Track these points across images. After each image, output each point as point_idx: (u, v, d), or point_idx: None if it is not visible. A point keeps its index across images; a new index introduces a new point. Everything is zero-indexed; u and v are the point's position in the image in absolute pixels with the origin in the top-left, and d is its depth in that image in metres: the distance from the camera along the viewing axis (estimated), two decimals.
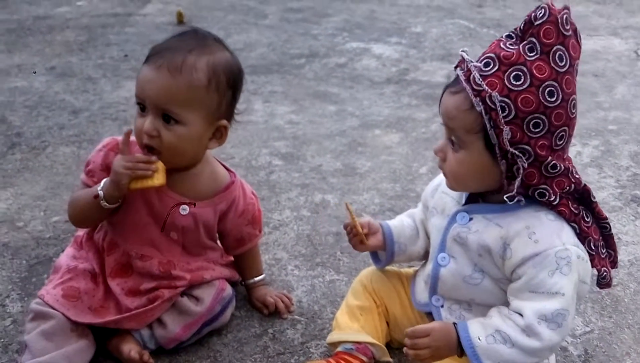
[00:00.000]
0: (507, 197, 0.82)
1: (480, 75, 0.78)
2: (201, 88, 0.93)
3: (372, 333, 0.99)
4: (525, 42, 0.78)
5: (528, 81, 0.77)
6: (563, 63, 0.77)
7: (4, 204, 1.49)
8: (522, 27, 0.79)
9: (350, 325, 0.99)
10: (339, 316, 1.02)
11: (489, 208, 0.86)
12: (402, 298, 1.02)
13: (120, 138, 1.00)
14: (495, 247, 0.84)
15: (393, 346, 1.04)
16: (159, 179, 0.93)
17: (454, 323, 0.85)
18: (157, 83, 0.92)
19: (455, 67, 0.83)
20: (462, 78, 0.80)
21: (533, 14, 0.77)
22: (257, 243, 1.16)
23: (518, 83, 0.77)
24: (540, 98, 0.77)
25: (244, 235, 1.12)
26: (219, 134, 0.99)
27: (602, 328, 1.11)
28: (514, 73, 0.77)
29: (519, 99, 0.77)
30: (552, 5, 0.77)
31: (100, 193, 0.94)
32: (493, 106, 0.77)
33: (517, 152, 0.78)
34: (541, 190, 0.81)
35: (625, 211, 1.49)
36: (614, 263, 0.91)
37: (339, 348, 0.98)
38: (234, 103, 0.99)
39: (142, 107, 0.94)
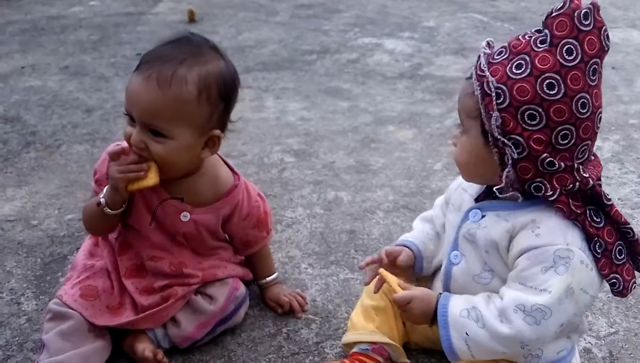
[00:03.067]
0: (496, 189, 0.81)
1: (489, 62, 0.79)
2: (191, 101, 0.90)
3: (388, 333, 0.97)
4: (540, 33, 0.77)
5: (528, 71, 0.76)
6: (572, 57, 0.74)
7: (18, 202, 1.50)
8: (544, 19, 0.78)
9: (366, 326, 0.98)
10: (353, 317, 1.01)
11: (502, 205, 0.84)
12: None
13: (124, 143, 1.00)
14: (501, 242, 0.82)
15: (410, 347, 1.02)
16: (152, 179, 0.92)
17: (440, 294, 0.86)
18: (144, 96, 0.89)
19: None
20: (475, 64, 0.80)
21: (555, 6, 0.76)
22: (265, 244, 1.14)
23: (518, 72, 0.76)
24: (537, 89, 0.75)
25: (250, 238, 1.10)
26: (212, 144, 0.96)
27: (627, 329, 1.08)
28: (517, 62, 0.77)
29: (515, 88, 0.76)
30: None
31: (102, 200, 0.95)
32: (489, 92, 0.76)
33: (506, 141, 0.77)
34: (537, 184, 0.79)
35: None
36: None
37: (355, 349, 0.97)
38: (227, 113, 0.97)
39: (131, 117, 0.92)
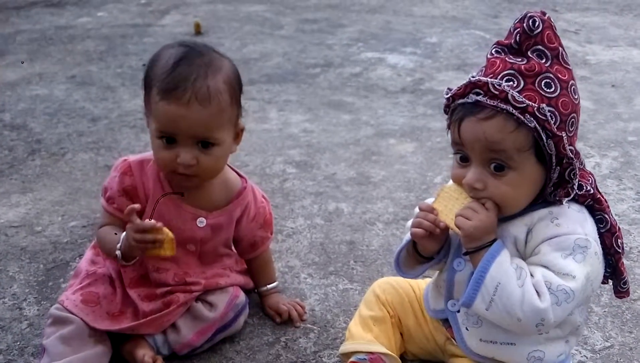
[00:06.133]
0: (558, 199, 0.82)
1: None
2: (227, 108, 0.96)
3: (386, 343, 0.98)
4: (531, 51, 0.80)
5: (558, 86, 0.80)
6: (568, 61, 0.82)
7: (23, 208, 1.51)
8: (518, 40, 0.80)
9: (363, 335, 0.98)
10: (352, 327, 1.02)
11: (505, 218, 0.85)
12: (416, 310, 1.01)
13: (131, 157, 1.03)
14: (520, 234, 0.84)
15: (407, 358, 1.03)
16: (168, 250, 0.94)
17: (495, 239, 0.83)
18: (193, 118, 0.92)
19: (457, 96, 0.82)
20: (492, 102, 0.78)
21: (526, 25, 0.80)
22: (269, 246, 1.16)
23: (551, 90, 0.80)
24: (572, 98, 0.81)
25: (257, 238, 1.13)
26: (236, 135, 1.03)
27: (622, 344, 1.08)
28: (543, 82, 0.80)
29: (559, 104, 0.80)
30: (538, 12, 0.81)
31: (118, 253, 0.97)
32: (544, 118, 0.78)
33: (571, 155, 0.79)
34: (579, 183, 0.83)
35: None
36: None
37: (352, 359, 0.97)
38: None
39: (170, 139, 0.94)
